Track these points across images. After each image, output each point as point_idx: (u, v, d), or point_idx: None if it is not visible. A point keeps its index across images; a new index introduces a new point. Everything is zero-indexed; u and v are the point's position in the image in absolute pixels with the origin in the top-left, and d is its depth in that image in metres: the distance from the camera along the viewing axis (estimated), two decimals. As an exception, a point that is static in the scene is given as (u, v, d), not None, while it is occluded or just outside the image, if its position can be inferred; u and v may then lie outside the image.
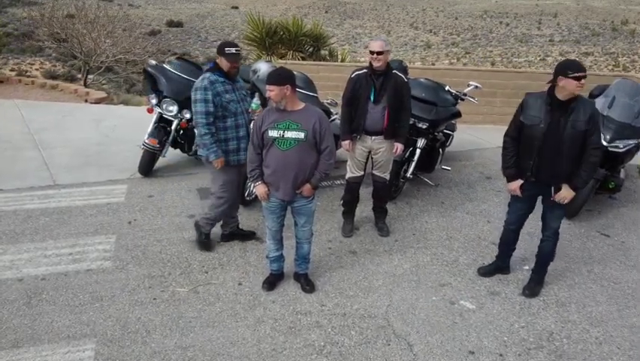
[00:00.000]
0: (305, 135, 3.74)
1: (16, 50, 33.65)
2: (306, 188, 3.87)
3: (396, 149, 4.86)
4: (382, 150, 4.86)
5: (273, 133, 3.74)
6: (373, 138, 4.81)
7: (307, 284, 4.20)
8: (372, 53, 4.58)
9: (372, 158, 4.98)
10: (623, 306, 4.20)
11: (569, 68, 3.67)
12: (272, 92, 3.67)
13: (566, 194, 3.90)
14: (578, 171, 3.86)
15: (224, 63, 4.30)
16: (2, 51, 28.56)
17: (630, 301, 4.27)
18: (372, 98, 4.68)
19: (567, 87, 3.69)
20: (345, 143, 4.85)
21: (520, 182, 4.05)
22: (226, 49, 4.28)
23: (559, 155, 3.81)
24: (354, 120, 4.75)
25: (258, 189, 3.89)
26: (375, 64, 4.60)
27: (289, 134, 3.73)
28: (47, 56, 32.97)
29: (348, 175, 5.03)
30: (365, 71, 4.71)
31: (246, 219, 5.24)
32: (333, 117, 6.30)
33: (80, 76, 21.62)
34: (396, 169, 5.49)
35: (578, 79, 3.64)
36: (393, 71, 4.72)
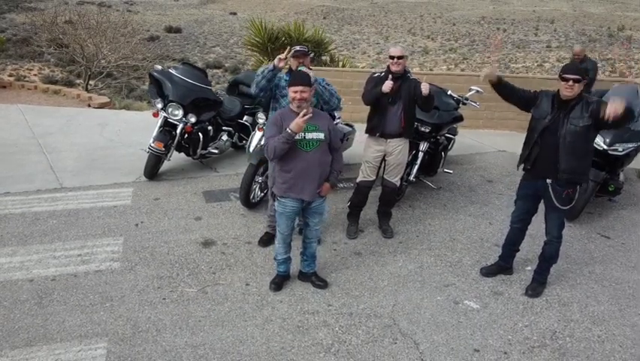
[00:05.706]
0: (324, 135, 3.87)
1: (14, 56, 33.66)
2: (326, 187, 4.01)
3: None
4: (396, 152, 4.97)
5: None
6: (388, 140, 4.93)
7: (319, 280, 4.30)
8: (392, 57, 4.77)
9: (385, 161, 5.07)
10: (625, 305, 4.28)
11: (562, 71, 3.95)
12: (305, 93, 3.76)
13: (616, 105, 3.59)
14: None
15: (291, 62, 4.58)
16: (0, 56, 28.60)
17: (631, 301, 4.34)
18: (389, 99, 4.81)
19: (559, 88, 3.94)
20: (389, 82, 4.70)
21: None
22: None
23: (558, 150, 3.96)
24: (375, 118, 4.94)
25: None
26: (395, 68, 4.77)
27: (310, 135, 3.83)
28: (46, 61, 33.00)
29: (360, 179, 5.12)
30: (384, 73, 4.91)
31: (252, 222, 5.31)
32: (336, 120, 6.37)
33: (79, 81, 21.67)
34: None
35: (566, 80, 3.86)
36: (408, 74, 4.89)
